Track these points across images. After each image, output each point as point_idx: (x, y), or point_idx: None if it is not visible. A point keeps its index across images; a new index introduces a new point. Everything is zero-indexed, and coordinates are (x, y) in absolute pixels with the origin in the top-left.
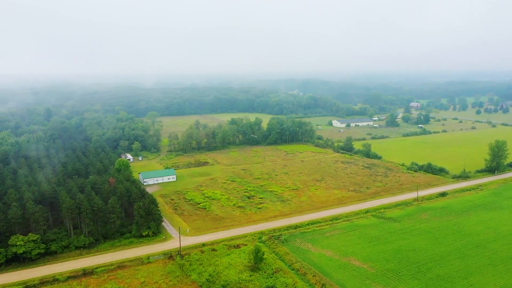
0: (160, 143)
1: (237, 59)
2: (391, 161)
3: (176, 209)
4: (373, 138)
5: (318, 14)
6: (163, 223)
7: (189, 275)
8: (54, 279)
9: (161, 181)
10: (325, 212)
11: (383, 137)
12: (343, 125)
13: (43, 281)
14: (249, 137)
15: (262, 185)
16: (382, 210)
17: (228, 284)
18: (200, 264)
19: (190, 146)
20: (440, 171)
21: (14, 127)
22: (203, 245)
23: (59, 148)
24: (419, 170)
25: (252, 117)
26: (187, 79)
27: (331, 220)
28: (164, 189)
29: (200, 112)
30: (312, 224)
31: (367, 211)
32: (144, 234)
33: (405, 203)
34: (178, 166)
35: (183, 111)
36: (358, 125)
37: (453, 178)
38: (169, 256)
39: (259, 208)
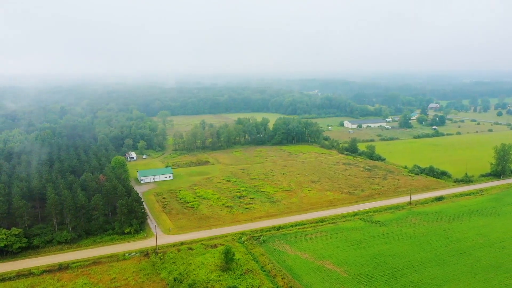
0: (166, 142)
1: (259, 59)
2: (394, 163)
3: (165, 207)
4: (382, 139)
5: (342, 11)
6: (148, 221)
7: (159, 273)
8: (30, 273)
9: (158, 180)
10: (312, 214)
11: (392, 139)
12: (354, 126)
13: (19, 274)
14: (255, 137)
15: (256, 185)
16: (371, 214)
17: (195, 283)
18: (173, 263)
19: (195, 145)
20: (442, 175)
21: (27, 125)
22: (182, 243)
23: (62, 146)
24: (421, 173)
25: (265, 116)
26: (211, 78)
27: (316, 222)
28: (159, 188)
29: (214, 111)
30: (296, 225)
31: (355, 214)
32: (125, 231)
33: (397, 207)
34: (178, 165)
35: (198, 110)
36: (370, 126)
37: (454, 182)
38: (145, 253)
39: (247, 208)
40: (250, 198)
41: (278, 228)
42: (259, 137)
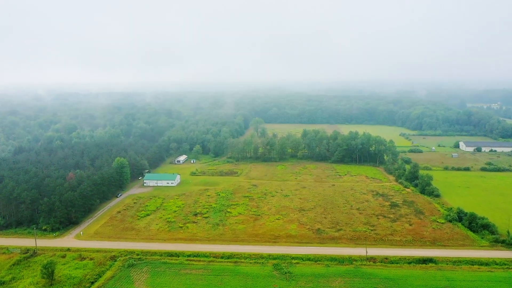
0: (227, 149)
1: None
2: (447, 202)
3: (117, 214)
4: (484, 169)
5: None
6: (81, 223)
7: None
8: None
9: (161, 185)
10: (232, 247)
11: (499, 170)
12: (470, 149)
13: None
14: (314, 152)
15: (231, 205)
16: (296, 261)
17: None
18: (28, 266)
19: (245, 155)
20: (483, 228)
21: (103, 125)
22: (68, 249)
23: (115, 144)
24: (457, 220)
25: (384, 130)
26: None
27: (215, 257)
28: (150, 193)
29: (332, 121)
30: (192, 256)
31: (275, 257)
32: (43, 228)
33: (348, 259)
34: (204, 173)
35: (314, 119)
36: (495, 151)
37: (491, 242)
38: (25, 251)
39: (181, 227)
40: (204, 217)
41: (171, 254)
42: (318, 152)
